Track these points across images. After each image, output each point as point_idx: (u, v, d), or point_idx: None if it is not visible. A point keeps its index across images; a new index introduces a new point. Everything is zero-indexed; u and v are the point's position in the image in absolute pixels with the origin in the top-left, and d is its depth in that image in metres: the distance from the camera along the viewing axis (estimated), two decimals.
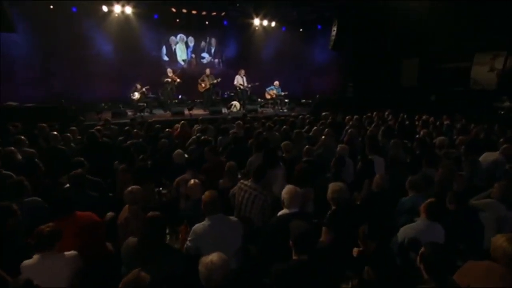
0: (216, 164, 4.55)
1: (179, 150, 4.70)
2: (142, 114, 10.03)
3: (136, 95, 10.78)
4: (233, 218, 2.90)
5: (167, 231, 3.18)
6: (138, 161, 4.47)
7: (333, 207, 3.13)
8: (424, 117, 9.09)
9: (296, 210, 3.00)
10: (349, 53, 13.10)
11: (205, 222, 2.74)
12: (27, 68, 11.02)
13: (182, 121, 7.98)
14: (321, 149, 5.64)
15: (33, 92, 10.83)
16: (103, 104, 11.97)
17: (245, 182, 3.66)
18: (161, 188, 4.34)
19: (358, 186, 4.43)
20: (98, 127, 6.71)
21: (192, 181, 3.37)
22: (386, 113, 10.49)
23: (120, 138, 6.65)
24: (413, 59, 12.24)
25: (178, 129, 7.87)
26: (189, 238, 2.78)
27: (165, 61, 13.61)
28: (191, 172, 3.96)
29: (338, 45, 12.59)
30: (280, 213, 3.10)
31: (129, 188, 3.20)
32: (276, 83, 12.61)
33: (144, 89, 10.84)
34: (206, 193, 2.81)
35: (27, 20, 10.68)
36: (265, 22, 13.81)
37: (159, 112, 11.39)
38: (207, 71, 11.86)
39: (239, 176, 5.10)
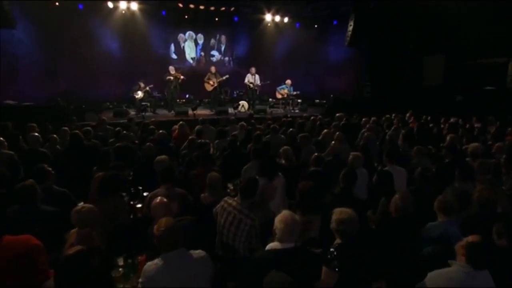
0: (203, 174, 3.82)
1: (161, 157, 4.01)
2: (144, 113, 9.46)
3: (139, 94, 10.26)
4: (197, 254, 2.15)
5: (122, 262, 2.48)
6: (110, 168, 3.80)
7: (338, 241, 2.35)
8: (451, 119, 8.08)
9: (290, 246, 2.24)
10: (366, 50, 12.21)
11: (158, 262, 2.01)
12: (32, 66, 10.71)
13: (181, 122, 7.33)
14: (330, 156, 4.83)
15: (38, 91, 10.53)
16: (108, 103, 11.59)
17: (230, 201, 2.91)
18: (136, 202, 3.65)
19: (374, 204, 3.61)
20: (88, 128, 6.13)
21: (158, 199, 2.66)
22: (407, 114, 9.55)
23: (111, 140, 6.06)
24: (438, 56, 11.16)
25: (176, 131, 7.25)
26: (139, 280, 2.07)
27: (174, 59, 13.15)
28: (166, 185, 3.25)
29: (354, 41, 11.73)
30: (269, 246, 2.35)
31: (78, 207, 2.52)
32: (288, 82, 11.85)
33: (147, 88, 10.30)
34: (161, 221, 2.08)
35: (32, 18, 10.35)
36: (277, 18, 13.11)
37: (163, 112, 10.84)
38: (212, 68, 11.24)
39: (231, 188, 4.40)
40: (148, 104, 10.53)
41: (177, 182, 3.49)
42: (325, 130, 6.35)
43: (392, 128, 7.01)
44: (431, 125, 8.18)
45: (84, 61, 11.17)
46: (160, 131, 6.12)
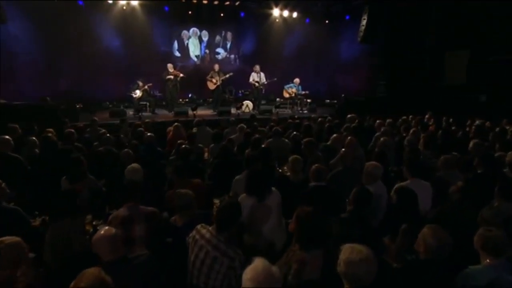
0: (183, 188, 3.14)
1: (132, 165, 3.36)
2: (141, 114, 8.88)
3: (138, 93, 9.70)
4: None
5: None
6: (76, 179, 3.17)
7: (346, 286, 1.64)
8: (477, 121, 7.20)
9: None
10: (381, 47, 11.38)
11: None
12: (30, 65, 10.32)
13: (176, 123, 6.72)
14: (339, 166, 4.10)
15: (37, 90, 10.11)
16: (107, 103, 11.13)
17: (203, 231, 2.23)
18: (101, 222, 3.01)
19: (390, 229, 2.86)
20: (71, 130, 5.55)
21: (101, 231, 1.99)
22: (427, 116, 8.72)
23: (96, 143, 5.47)
24: (461, 52, 10.19)
25: (171, 133, 6.64)
26: None
27: (177, 57, 12.70)
28: (128, 204, 2.58)
29: (368, 37, 10.91)
30: None
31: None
32: (296, 80, 11.15)
33: (146, 87, 9.73)
34: (83, 275, 1.41)
35: (30, 15, 9.95)
36: (285, 13, 12.44)
37: (163, 112, 10.27)
38: (216, 67, 10.63)
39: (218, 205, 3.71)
40: (148, 103, 9.99)
41: (144, 198, 2.82)
42: (335, 134, 5.60)
43: (411, 131, 6.19)
44: (453, 128, 7.34)
45: (84, 60, 10.84)
46: (148, 134, 5.49)
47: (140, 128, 6.03)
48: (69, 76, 10.72)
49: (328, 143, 5.57)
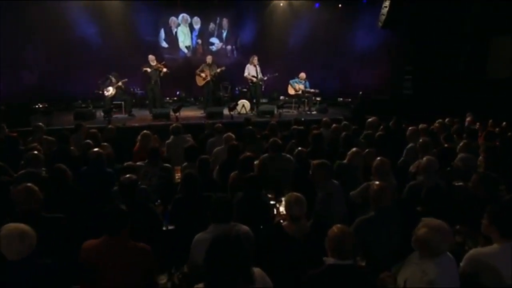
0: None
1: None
2: (109, 117, 7.49)
3: (110, 91, 8.34)
4: None
5: None
6: None
7: None
8: None
9: None
10: (407, 34, 9.89)
11: None
12: None
13: (144, 131, 5.31)
14: (371, 207, 2.70)
15: None
16: (80, 102, 9.92)
17: None
18: None
19: None
20: None
21: None
22: (468, 119, 7.26)
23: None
24: (508, 38, 8.62)
25: (137, 144, 5.27)
26: None
27: (164, 48, 11.58)
28: None
29: (391, 22, 9.45)
30: None
31: None
32: (302, 75, 9.78)
33: (120, 83, 8.36)
34: None
35: None
36: None
37: (142, 113, 8.95)
38: (208, 58, 9.39)
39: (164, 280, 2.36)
40: (123, 103, 8.63)
41: None
42: (354, 149, 4.11)
43: (461, 144, 4.66)
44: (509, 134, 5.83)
45: (53, 50, 9.92)
46: (96, 149, 4.07)
47: (88, 141, 4.59)
48: (33, 69, 9.75)
49: (345, 161, 4.10)
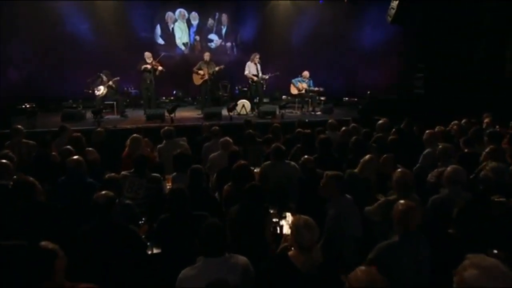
0: None
1: None
2: (100, 118, 7.06)
3: (101, 90, 7.92)
4: None
5: None
6: None
7: None
8: None
9: None
10: (418, 29, 9.39)
11: None
12: None
13: (134, 135, 4.88)
14: (395, 229, 2.26)
15: None
16: (71, 101, 9.52)
17: None
18: None
19: None
20: None
21: None
22: (485, 120, 6.80)
23: None
24: None
25: (126, 150, 4.84)
26: None
27: (160, 45, 11.21)
28: None
29: (401, 17, 8.97)
30: None
31: None
32: (305, 73, 9.34)
33: (111, 82, 7.93)
34: None
35: None
36: None
37: (137, 114, 8.52)
38: (206, 55, 8.98)
39: None
40: (115, 103, 8.20)
41: None
42: (368, 157, 3.65)
43: (487, 150, 4.18)
44: None
45: (42, 46, 9.57)
46: (74, 157, 3.62)
47: (68, 147, 4.13)
48: (20, 67, 9.34)
49: (356, 170, 3.65)
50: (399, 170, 3.00)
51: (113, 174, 3.19)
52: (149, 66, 8.24)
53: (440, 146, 4.05)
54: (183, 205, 2.60)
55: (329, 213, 2.85)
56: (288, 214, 3.38)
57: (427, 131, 5.02)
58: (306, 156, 3.52)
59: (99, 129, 5.50)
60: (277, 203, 3.53)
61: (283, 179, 3.87)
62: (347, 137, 4.97)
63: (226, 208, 3.31)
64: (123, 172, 3.72)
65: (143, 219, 3.06)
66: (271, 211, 3.28)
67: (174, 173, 3.85)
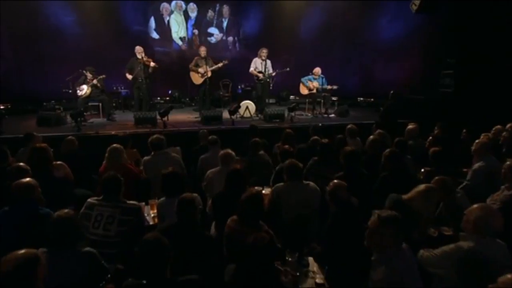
0: None
1: None
2: (81, 123, 6.23)
3: (84, 89, 7.12)
4: None
5: None
6: None
7: None
8: None
9: None
10: (446, 20, 8.56)
11: None
12: None
13: (113, 145, 4.04)
14: None
15: None
16: (53, 102, 8.86)
17: None
18: None
19: None
20: None
21: None
22: None
23: None
24: None
25: (103, 164, 4.05)
26: None
27: (155, 39, 10.64)
28: None
29: (428, 5, 8.19)
30: None
31: None
32: (317, 70, 8.59)
33: (95, 81, 7.13)
34: None
35: None
36: None
37: (127, 117, 7.74)
38: (202, 50, 8.18)
39: None
40: (101, 104, 7.39)
41: None
42: (424, 187, 2.77)
43: None
44: None
45: (22, 41, 9.09)
46: (23, 179, 2.77)
47: (21, 164, 3.27)
48: (4, 64, 8.80)
49: (406, 196, 2.80)
50: (477, 206, 2.13)
51: (66, 210, 2.32)
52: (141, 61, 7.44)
53: (507, 163, 3.18)
54: (159, 267, 1.74)
55: (377, 271, 1.99)
56: (311, 261, 2.53)
57: (476, 141, 4.21)
58: (336, 181, 2.64)
59: (69, 137, 4.63)
60: (295, 243, 2.69)
61: (301, 208, 3.02)
62: (377, 149, 4.12)
63: (228, 247, 2.51)
64: (89, 200, 2.88)
65: (108, 275, 2.21)
66: (288, 259, 2.44)
67: (163, 198, 3.01)
